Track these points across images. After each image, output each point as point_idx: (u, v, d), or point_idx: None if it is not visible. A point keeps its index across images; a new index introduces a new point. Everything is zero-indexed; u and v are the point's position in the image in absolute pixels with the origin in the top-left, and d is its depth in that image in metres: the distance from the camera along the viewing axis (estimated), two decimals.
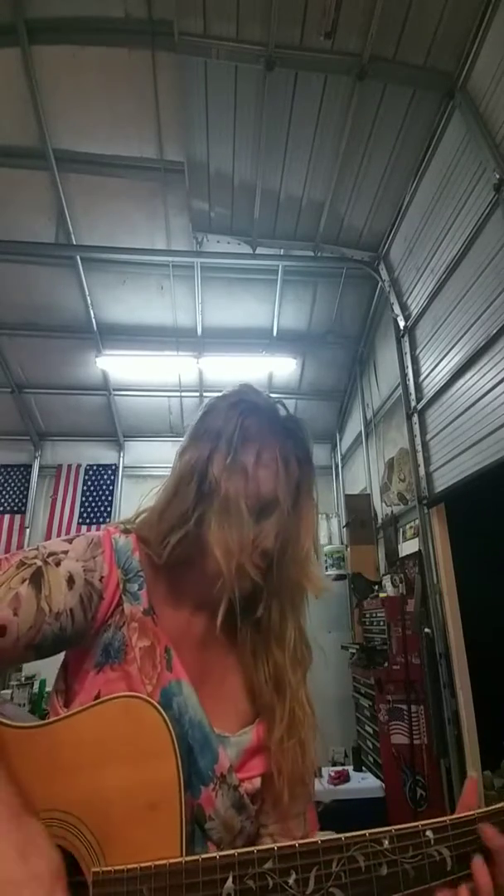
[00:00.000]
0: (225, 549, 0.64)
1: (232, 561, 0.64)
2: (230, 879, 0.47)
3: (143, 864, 0.48)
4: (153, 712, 0.54)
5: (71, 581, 0.62)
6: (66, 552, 0.65)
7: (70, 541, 0.67)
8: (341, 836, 0.50)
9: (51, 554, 0.64)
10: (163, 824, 0.51)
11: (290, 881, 0.48)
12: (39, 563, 0.62)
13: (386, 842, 0.50)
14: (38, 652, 0.61)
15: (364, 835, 0.50)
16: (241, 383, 0.77)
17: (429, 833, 0.51)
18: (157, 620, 0.65)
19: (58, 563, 0.63)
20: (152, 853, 0.49)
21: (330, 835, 0.52)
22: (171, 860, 0.48)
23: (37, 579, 0.61)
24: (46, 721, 0.56)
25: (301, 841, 0.50)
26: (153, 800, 0.52)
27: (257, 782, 0.65)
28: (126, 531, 0.71)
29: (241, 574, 0.65)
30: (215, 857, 0.49)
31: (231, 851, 0.49)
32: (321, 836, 0.51)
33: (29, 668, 4.60)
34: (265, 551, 0.67)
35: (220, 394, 0.76)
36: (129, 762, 0.53)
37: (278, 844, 0.50)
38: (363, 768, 3.67)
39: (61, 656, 0.67)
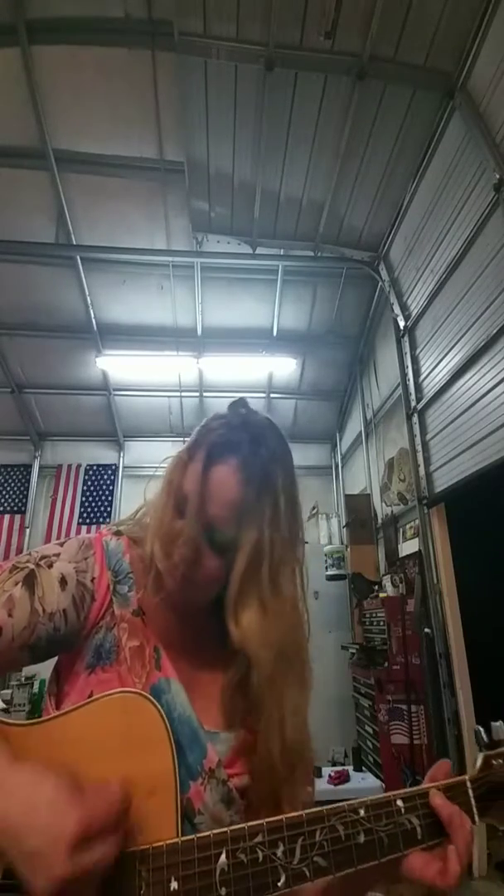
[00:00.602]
0: (150, 533, 0.67)
1: (152, 544, 0.66)
2: (223, 855, 0.50)
3: (141, 847, 0.50)
4: (149, 706, 0.56)
5: (63, 582, 0.64)
6: (57, 554, 0.66)
7: (62, 544, 0.69)
8: (323, 808, 0.54)
9: (43, 557, 0.65)
10: (160, 809, 0.53)
11: (279, 853, 0.51)
12: (32, 566, 0.64)
13: (362, 811, 0.54)
14: (33, 653, 0.62)
15: (343, 806, 0.54)
16: (236, 400, 0.75)
17: (399, 802, 0.55)
18: (147, 621, 0.67)
19: (50, 566, 0.64)
20: (152, 836, 0.52)
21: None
22: (168, 841, 0.51)
23: (30, 581, 0.62)
24: (45, 718, 0.57)
25: (287, 815, 0.53)
26: (151, 786, 0.54)
27: (246, 778, 0.65)
28: (118, 533, 0.73)
29: (163, 563, 0.64)
30: (209, 836, 0.51)
31: (223, 829, 0.52)
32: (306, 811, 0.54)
33: (28, 668, 4.59)
34: (182, 556, 0.63)
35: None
36: (127, 754, 0.55)
37: (267, 820, 0.52)
38: (363, 768, 3.67)
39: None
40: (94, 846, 0.44)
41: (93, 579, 0.66)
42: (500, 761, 0.59)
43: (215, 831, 0.51)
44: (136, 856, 0.50)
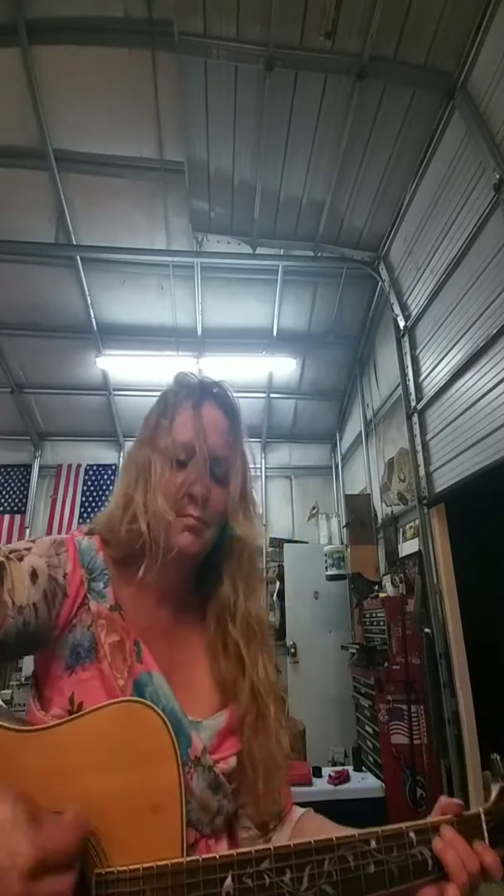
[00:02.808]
0: (144, 508, 0.67)
1: (149, 518, 0.67)
2: (229, 878, 0.49)
3: (145, 865, 0.49)
4: (154, 717, 0.55)
5: (34, 576, 0.62)
6: (28, 549, 0.66)
7: (33, 541, 0.68)
8: (332, 836, 0.53)
9: (13, 550, 0.64)
10: (165, 826, 0.53)
11: (286, 879, 0.50)
12: (1, 558, 0.62)
13: (373, 842, 0.53)
14: (2, 649, 0.60)
15: (354, 835, 0.53)
16: (178, 372, 0.82)
17: (412, 834, 0.54)
18: (125, 615, 0.66)
19: (20, 559, 0.63)
20: (154, 854, 0.51)
21: (334, 826, 0.55)
22: (173, 860, 0.50)
23: None
24: (47, 725, 0.56)
25: (296, 841, 0.52)
26: (155, 803, 0.53)
27: (232, 762, 0.65)
28: (90, 533, 0.73)
29: (166, 530, 0.67)
30: (215, 857, 0.50)
31: (230, 852, 0.51)
32: (314, 837, 0.53)
33: (29, 668, 4.59)
34: (193, 497, 0.69)
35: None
36: (131, 766, 0.54)
37: (275, 845, 0.52)
38: (363, 768, 3.67)
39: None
40: (47, 878, 0.42)
41: (65, 575, 0.65)
42: None
43: (221, 853, 0.51)
44: (139, 874, 0.49)
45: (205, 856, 0.50)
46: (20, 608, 0.60)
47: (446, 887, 0.52)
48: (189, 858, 0.50)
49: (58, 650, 0.64)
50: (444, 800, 0.58)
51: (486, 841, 0.55)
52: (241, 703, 0.68)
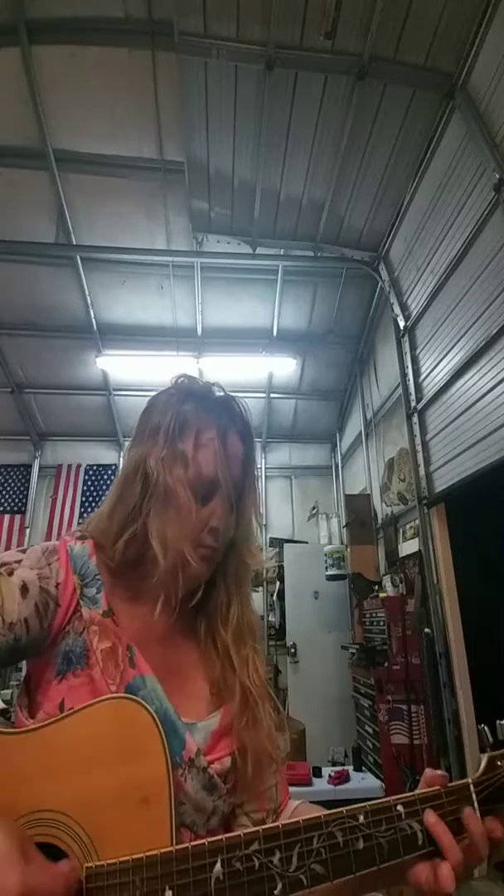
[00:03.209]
0: (161, 540, 0.65)
1: (168, 551, 0.65)
2: (218, 863, 0.49)
3: (134, 856, 0.50)
4: (142, 712, 0.56)
5: (25, 590, 0.62)
6: (18, 561, 0.65)
7: (24, 550, 0.67)
8: (321, 814, 0.53)
9: (3, 564, 0.64)
10: (154, 818, 0.53)
11: (275, 860, 0.50)
12: None
13: (361, 817, 0.52)
14: None
15: (342, 811, 0.53)
16: (178, 374, 0.79)
17: (399, 807, 0.53)
18: (118, 621, 0.66)
19: (10, 573, 0.63)
20: (145, 846, 0.51)
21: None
22: (162, 850, 0.50)
23: None
24: (36, 725, 0.57)
25: (283, 822, 0.52)
26: (144, 795, 0.54)
27: (227, 762, 0.66)
28: (82, 538, 0.72)
29: (183, 562, 0.66)
30: (204, 844, 0.50)
31: (219, 837, 0.51)
32: (303, 817, 0.53)
33: None
34: (214, 530, 0.69)
35: (160, 389, 0.79)
36: (120, 761, 0.54)
37: (263, 827, 0.52)
38: (363, 768, 3.67)
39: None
40: None
41: (57, 584, 0.65)
42: None
43: (210, 839, 0.51)
44: (129, 865, 0.49)
45: (194, 843, 0.50)
46: (10, 625, 0.60)
47: (440, 865, 0.51)
48: (178, 847, 0.50)
49: (50, 656, 0.64)
50: (429, 772, 0.58)
51: (476, 812, 0.54)
52: (234, 702, 0.68)
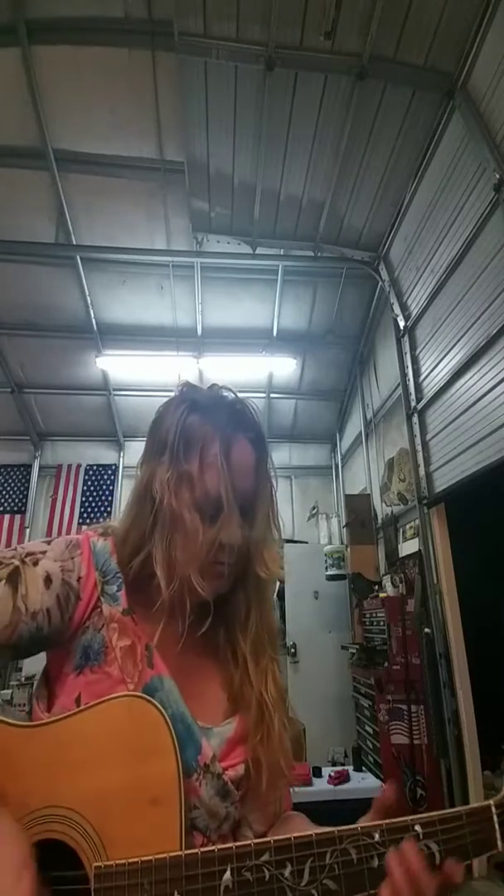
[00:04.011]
0: (165, 567, 0.64)
1: (174, 579, 0.64)
2: (228, 871, 0.49)
3: (143, 858, 0.49)
4: (154, 711, 0.55)
5: (48, 581, 0.63)
6: (44, 552, 0.65)
7: (48, 542, 0.68)
8: (335, 829, 0.52)
9: (28, 554, 0.64)
10: (163, 819, 0.53)
11: (286, 873, 0.49)
12: (17, 562, 0.63)
13: (377, 835, 0.51)
14: (16, 651, 0.61)
15: (356, 828, 0.52)
16: (182, 382, 0.76)
17: (418, 828, 0.52)
18: (137, 620, 0.66)
19: (35, 563, 0.63)
20: (153, 847, 0.50)
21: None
22: (171, 854, 0.50)
23: (14, 578, 0.61)
24: (49, 720, 0.57)
25: (296, 834, 0.51)
26: (154, 795, 0.53)
27: (241, 769, 0.65)
28: (105, 534, 0.72)
29: (190, 589, 0.64)
30: (214, 850, 0.50)
31: (229, 845, 0.50)
32: (315, 830, 0.52)
33: (29, 667, 4.60)
34: (224, 546, 0.66)
35: (167, 399, 0.76)
36: (130, 759, 0.54)
37: (275, 838, 0.51)
38: (363, 768, 3.66)
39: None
40: None
41: (79, 578, 0.65)
42: None
43: (220, 847, 0.50)
44: (137, 867, 0.49)
45: (203, 849, 0.50)
46: (34, 614, 0.60)
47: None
48: (187, 851, 0.50)
49: (69, 650, 0.64)
50: (382, 798, 0.57)
51: (497, 833, 0.53)
52: (250, 715, 0.67)
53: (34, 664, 0.73)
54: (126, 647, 0.64)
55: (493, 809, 0.54)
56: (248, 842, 0.51)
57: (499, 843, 0.52)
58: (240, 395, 0.77)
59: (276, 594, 5.67)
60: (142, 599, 0.67)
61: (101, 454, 6.42)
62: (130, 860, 0.49)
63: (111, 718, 0.55)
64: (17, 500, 6.17)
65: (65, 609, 0.63)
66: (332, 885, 0.49)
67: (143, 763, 0.54)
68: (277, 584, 5.65)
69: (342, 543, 5.41)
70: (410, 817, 0.53)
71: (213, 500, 0.65)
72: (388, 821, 0.52)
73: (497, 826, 0.53)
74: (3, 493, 6.18)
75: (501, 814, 0.54)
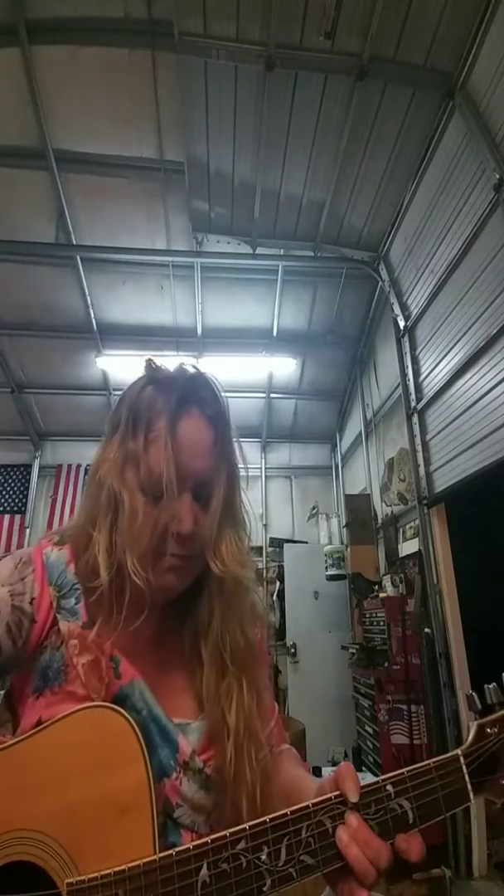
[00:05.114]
0: (106, 553, 0.60)
1: (112, 565, 0.59)
2: (204, 867, 0.48)
3: (116, 869, 0.49)
4: (118, 718, 0.54)
5: None
6: None
7: None
8: (309, 802, 0.51)
9: None
10: (135, 827, 0.51)
11: (263, 856, 0.49)
12: None
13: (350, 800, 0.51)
14: None
15: (330, 798, 0.51)
16: (146, 360, 0.71)
17: (389, 787, 0.51)
18: (101, 632, 0.61)
19: None
20: (126, 857, 0.50)
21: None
22: (145, 860, 0.49)
23: None
24: (6, 744, 0.55)
25: (272, 815, 0.50)
26: (123, 804, 0.52)
27: (220, 761, 0.64)
28: (60, 542, 0.67)
29: (130, 580, 0.59)
30: (189, 848, 0.49)
31: (204, 839, 0.50)
32: (290, 808, 0.51)
33: None
34: (180, 536, 0.61)
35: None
36: (96, 771, 0.53)
37: (250, 823, 0.50)
38: (363, 768, 3.67)
39: None
40: None
41: (31, 600, 0.61)
42: (496, 729, 0.53)
43: (195, 843, 0.49)
44: (110, 878, 0.48)
45: (178, 849, 0.49)
46: None
47: (356, 891, 0.48)
48: (161, 854, 0.49)
49: (29, 671, 0.61)
50: (331, 777, 0.54)
51: (468, 784, 0.51)
52: (219, 707, 0.64)
53: None
54: (89, 663, 0.60)
55: (462, 759, 0.52)
56: (224, 832, 0.50)
57: (471, 794, 0.51)
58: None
59: (276, 594, 5.69)
60: (109, 605, 0.63)
61: None
62: (103, 873, 0.48)
63: (73, 733, 0.54)
64: (17, 500, 6.16)
65: (17, 636, 0.60)
66: (309, 859, 0.49)
67: (111, 773, 0.53)
68: (278, 584, 5.66)
69: (342, 543, 5.41)
70: (381, 777, 0.52)
71: (156, 478, 0.60)
72: (360, 784, 0.52)
73: (467, 777, 0.52)
74: (3, 493, 6.18)
75: (470, 763, 0.52)
